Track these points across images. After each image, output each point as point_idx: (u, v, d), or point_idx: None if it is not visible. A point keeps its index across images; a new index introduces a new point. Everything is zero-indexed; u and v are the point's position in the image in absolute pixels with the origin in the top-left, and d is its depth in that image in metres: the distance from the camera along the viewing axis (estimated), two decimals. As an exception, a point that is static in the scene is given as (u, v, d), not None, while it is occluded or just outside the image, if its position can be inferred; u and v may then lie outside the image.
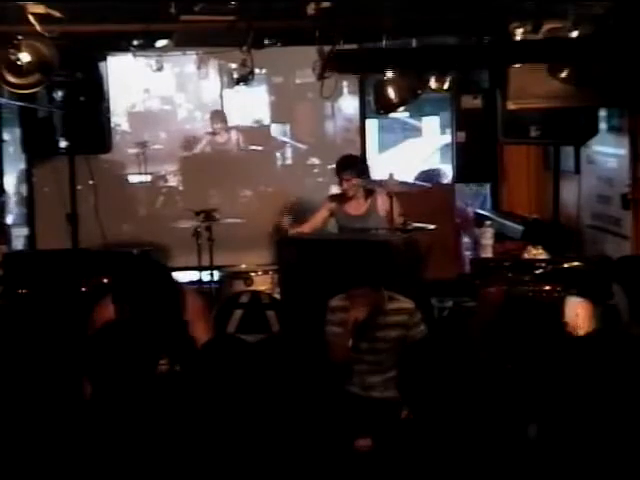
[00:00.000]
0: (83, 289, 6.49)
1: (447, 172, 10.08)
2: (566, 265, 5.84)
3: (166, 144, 8.72)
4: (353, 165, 7.09)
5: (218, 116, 8.63)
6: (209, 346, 3.54)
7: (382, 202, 6.95)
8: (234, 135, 8.70)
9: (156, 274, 4.50)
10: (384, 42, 6.28)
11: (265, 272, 7.18)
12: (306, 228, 7.13)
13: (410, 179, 9.80)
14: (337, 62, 5.72)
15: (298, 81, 8.64)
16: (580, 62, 5.34)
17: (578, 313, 4.59)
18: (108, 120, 7.89)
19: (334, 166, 7.27)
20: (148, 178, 8.61)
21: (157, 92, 8.71)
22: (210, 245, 7.32)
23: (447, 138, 10.48)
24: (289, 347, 3.69)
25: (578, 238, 7.41)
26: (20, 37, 5.52)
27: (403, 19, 5.99)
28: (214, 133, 8.66)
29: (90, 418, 3.17)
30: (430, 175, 10.59)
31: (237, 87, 7.02)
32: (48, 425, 3.20)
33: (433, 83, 7.49)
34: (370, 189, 7.06)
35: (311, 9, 5.37)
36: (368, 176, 7.34)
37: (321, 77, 6.24)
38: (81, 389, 3.61)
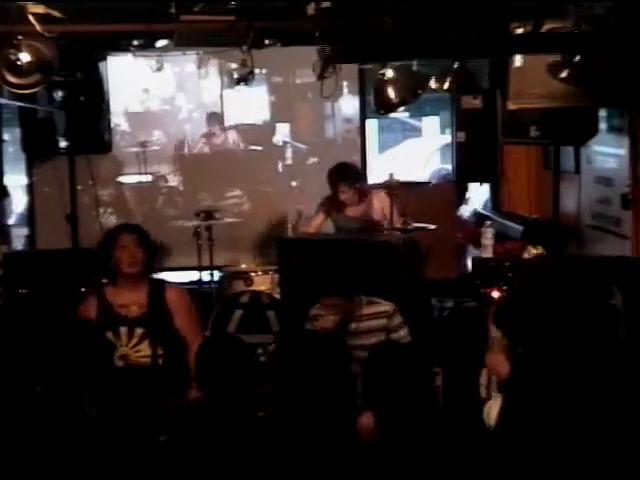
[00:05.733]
0: (83, 289, 6.48)
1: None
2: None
3: (166, 144, 8.71)
4: (347, 175, 7.02)
5: (214, 118, 8.64)
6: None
7: (378, 202, 6.97)
8: (232, 135, 8.70)
9: None
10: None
11: (265, 272, 7.17)
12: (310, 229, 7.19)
13: (414, 178, 9.73)
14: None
15: (298, 81, 8.64)
16: (580, 54, 5.29)
17: None
18: (108, 120, 7.89)
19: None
20: (148, 178, 8.60)
21: (157, 92, 8.70)
22: (210, 245, 7.32)
23: (447, 138, 10.45)
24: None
25: (578, 238, 7.40)
26: (20, 37, 5.50)
27: (403, 19, 5.98)
28: (211, 134, 8.66)
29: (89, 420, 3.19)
30: (444, 174, 10.44)
31: (237, 87, 7.02)
32: (47, 425, 3.21)
33: (433, 83, 7.47)
34: (365, 190, 7.06)
35: (311, 9, 5.36)
36: (363, 180, 7.32)
37: (321, 77, 6.23)
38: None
